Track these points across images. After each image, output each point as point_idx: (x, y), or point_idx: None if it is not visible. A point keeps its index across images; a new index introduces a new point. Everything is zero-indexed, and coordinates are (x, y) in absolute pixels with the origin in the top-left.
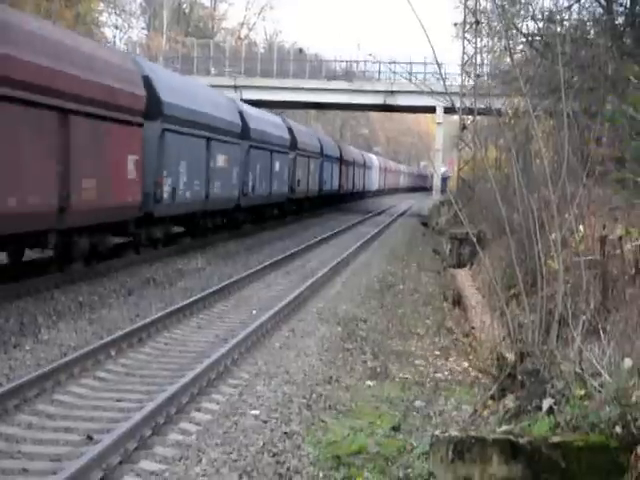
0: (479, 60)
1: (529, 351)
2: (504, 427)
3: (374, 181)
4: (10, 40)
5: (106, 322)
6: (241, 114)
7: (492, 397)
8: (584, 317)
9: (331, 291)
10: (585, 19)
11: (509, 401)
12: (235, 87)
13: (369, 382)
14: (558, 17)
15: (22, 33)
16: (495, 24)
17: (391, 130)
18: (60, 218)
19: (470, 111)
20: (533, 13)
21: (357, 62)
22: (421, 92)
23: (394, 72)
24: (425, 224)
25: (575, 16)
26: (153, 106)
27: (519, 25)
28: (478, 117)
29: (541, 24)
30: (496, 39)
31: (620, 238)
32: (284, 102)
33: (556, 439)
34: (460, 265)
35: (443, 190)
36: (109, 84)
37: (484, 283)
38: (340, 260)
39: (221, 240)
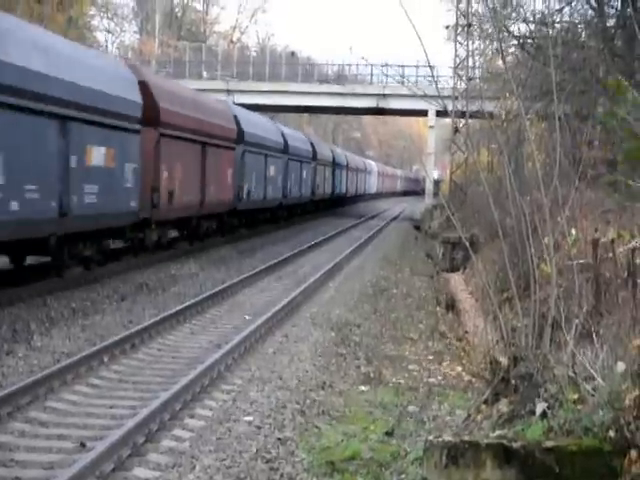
0: (471, 63)
1: (522, 355)
2: (498, 432)
3: (373, 185)
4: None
5: (99, 328)
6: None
7: (486, 401)
8: (577, 321)
9: (324, 296)
10: (576, 22)
11: (503, 405)
12: (228, 91)
13: (363, 387)
14: (549, 20)
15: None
16: (487, 27)
17: (383, 134)
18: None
19: (462, 114)
20: (525, 16)
21: (349, 65)
22: (413, 95)
23: (386, 75)
24: (418, 228)
25: (566, 18)
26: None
27: (511, 28)
28: (470, 120)
29: (533, 27)
30: (488, 42)
31: (612, 241)
32: (276, 106)
33: (550, 443)
34: (453, 269)
35: (435, 193)
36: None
37: (477, 287)
38: (333, 265)
39: (215, 245)
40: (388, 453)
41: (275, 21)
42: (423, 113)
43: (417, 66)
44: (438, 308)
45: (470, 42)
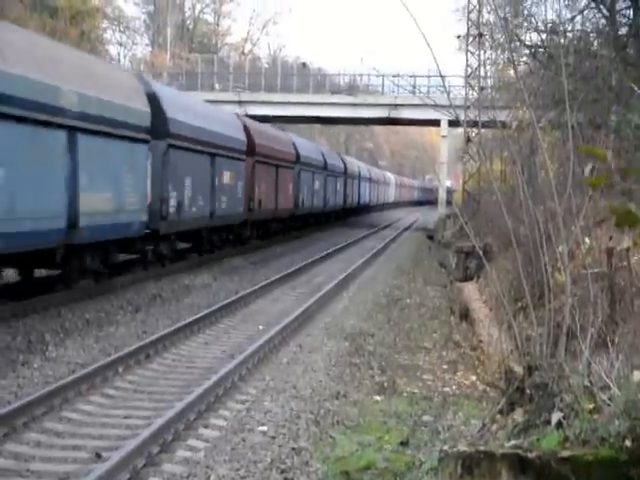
0: (483, 72)
1: (537, 364)
2: (513, 442)
3: (391, 195)
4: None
5: (113, 339)
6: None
7: (501, 411)
8: (592, 330)
9: (338, 306)
10: (588, 30)
11: (518, 415)
12: (239, 102)
13: (377, 397)
14: (561, 28)
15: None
16: (498, 36)
17: (395, 143)
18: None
19: (474, 124)
20: (536, 25)
21: (361, 76)
22: (425, 105)
23: (398, 85)
24: (431, 237)
25: (578, 27)
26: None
27: (522, 37)
28: (483, 130)
29: (544, 36)
30: (499, 51)
31: (627, 250)
32: (288, 117)
33: (565, 453)
34: (467, 278)
35: (448, 203)
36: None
37: (491, 296)
38: (346, 275)
39: (227, 256)
40: (403, 463)
41: (286, 32)
42: (435, 123)
43: (429, 76)
44: (452, 317)
45: (482, 52)
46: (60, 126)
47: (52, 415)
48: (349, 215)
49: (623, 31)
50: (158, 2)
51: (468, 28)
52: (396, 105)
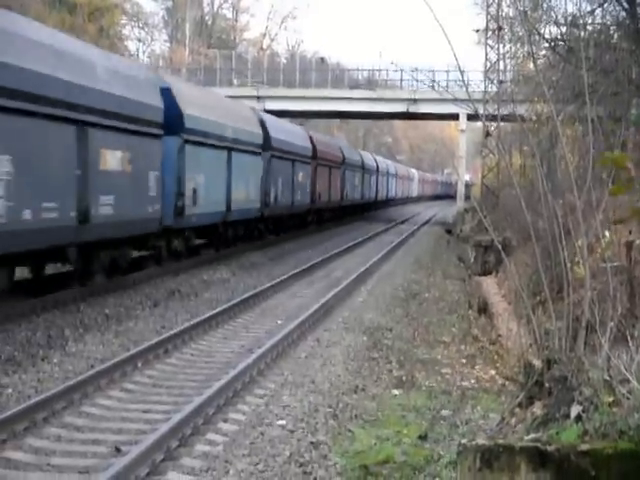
0: (502, 66)
1: (556, 358)
2: (532, 435)
3: (415, 190)
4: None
5: (132, 334)
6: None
7: (519, 405)
8: (611, 323)
9: (356, 300)
10: (608, 23)
11: (537, 409)
12: (258, 98)
13: (395, 391)
14: (581, 21)
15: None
16: (517, 30)
17: (414, 138)
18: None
19: (493, 118)
20: (556, 18)
21: (379, 70)
22: (444, 100)
23: (416, 80)
24: (449, 232)
25: (598, 20)
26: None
27: (542, 30)
28: (502, 123)
29: (564, 29)
30: (519, 45)
31: None
32: (307, 112)
33: (585, 447)
34: (485, 273)
35: (467, 197)
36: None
37: (510, 290)
38: (364, 269)
39: (245, 251)
40: (422, 457)
41: (305, 27)
42: (454, 117)
43: (447, 70)
44: (470, 312)
45: (501, 45)
46: (224, 147)
47: (72, 410)
48: (380, 207)
49: None
50: None
51: (487, 22)
52: (415, 100)
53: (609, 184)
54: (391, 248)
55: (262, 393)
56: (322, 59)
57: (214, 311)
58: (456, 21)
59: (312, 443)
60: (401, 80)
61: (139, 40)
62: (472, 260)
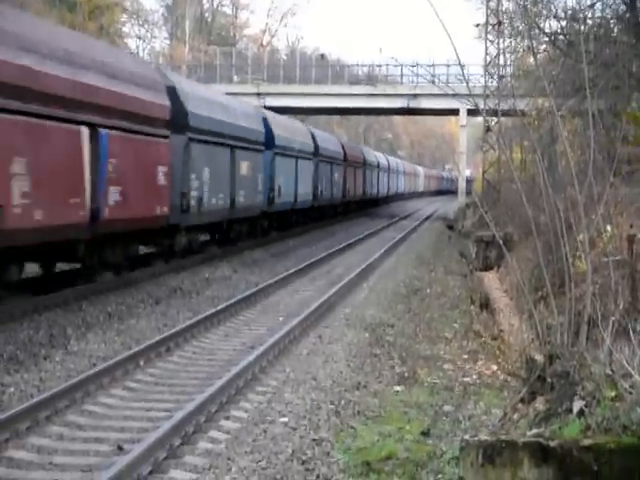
0: (502, 61)
1: (558, 353)
2: (534, 430)
3: (420, 185)
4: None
5: (134, 332)
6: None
7: (522, 400)
8: (613, 318)
9: (358, 296)
10: (608, 17)
11: (539, 404)
12: (258, 94)
13: (397, 387)
14: (581, 15)
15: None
16: (517, 24)
17: (415, 133)
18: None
19: (494, 112)
20: (556, 12)
21: (379, 66)
22: (444, 95)
23: (417, 75)
24: (451, 227)
25: (598, 14)
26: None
27: (542, 24)
28: (502, 118)
29: (564, 23)
30: (519, 39)
31: None
32: (307, 108)
33: (587, 442)
34: (487, 268)
35: (468, 192)
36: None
37: (512, 285)
38: (366, 265)
39: (247, 248)
40: (424, 453)
41: (305, 24)
42: (454, 112)
43: (448, 65)
44: (472, 307)
45: (501, 40)
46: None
47: (74, 408)
48: (391, 200)
49: None
50: None
51: (487, 16)
52: (415, 95)
53: (611, 178)
54: (393, 244)
55: (264, 390)
56: (322, 55)
57: (216, 308)
58: (456, 16)
59: (314, 440)
60: (401, 75)
61: (139, 38)
62: (474, 255)
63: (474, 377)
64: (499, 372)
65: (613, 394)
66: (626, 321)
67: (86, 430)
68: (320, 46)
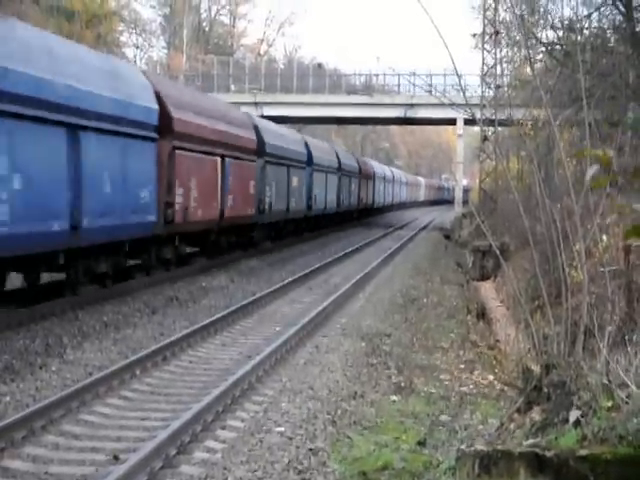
0: (499, 71)
1: (555, 363)
2: (531, 440)
3: (421, 195)
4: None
5: (131, 341)
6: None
7: (518, 410)
8: (610, 328)
9: (354, 306)
10: (605, 27)
11: (535, 414)
12: (255, 104)
13: (394, 397)
14: (578, 26)
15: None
16: (514, 34)
17: (412, 143)
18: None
19: (491, 122)
20: (552, 22)
21: (377, 75)
22: (441, 104)
23: (414, 85)
24: (448, 237)
25: (595, 24)
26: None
27: (539, 34)
28: (499, 128)
29: (561, 33)
30: (516, 49)
31: None
32: (305, 118)
33: (583, 452)
34: (484, 278)
35: (465, 202)
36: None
37: (508, 295)
38: (363, 275)
39: (244, 257)
40: (420, 463)
41: (302, 33)
42: (451, 122)
43: (445, 75)
44: (469, 317)
45: (498, 50)
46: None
47: (70, 418)
48: (396, 209)
49: None
50: (174, 4)
51: (484, 26)
52: (412, 104)
53: (607, 187)
54: (389, 254)
55: (260, 400)
56: (319, 65)
57: (212, 318)
58: (453, 25)
59: (311, 450)
60: (398, 85)
61: (137, 47)
62: (470, 265)
63: (470, 387)
64: (495, 382)
65: (609, 404)
66: (622, 331)
67: (82, 439)
68: (317, 55)
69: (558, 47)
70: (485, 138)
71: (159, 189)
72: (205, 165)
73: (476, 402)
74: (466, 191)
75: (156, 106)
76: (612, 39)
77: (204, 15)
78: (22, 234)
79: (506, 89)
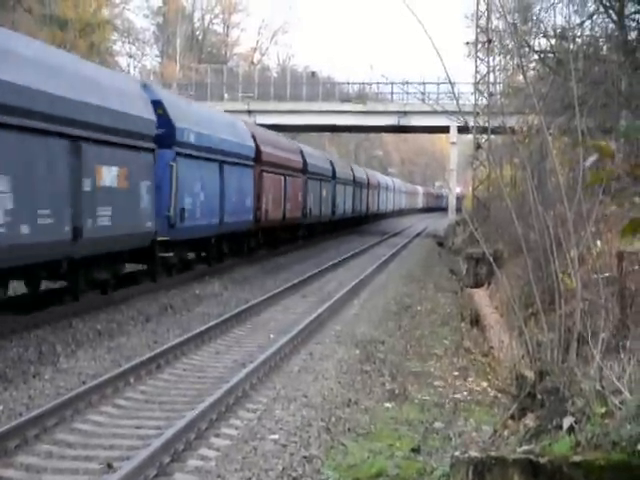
0: (492, 79)
1: (549, 370)
2: (524, 447)
3: (419, 202)
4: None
5: (124, 349)
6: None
7: (512, 417)
8: (603, 334)
9: (349, 313)
10: (597, 35)
11: (529, 420)
12: (249, 112)
13: (388, 404)
14: (570, 34)
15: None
16: (507, 42)
17: (405, 151)
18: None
19: (484, 130)
20: (545, 30)
21: (370, 84)
22: (434, 112)
23: (407, 93)
24: (441, 244)
25: (587, 32)
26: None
27: (531, 43)
28: (492, 136)
29: (553, 41)
30: (508, 57)
31: (638, 253)
32: (298, 126)
33: (577, 458)
34: (477, 285)
35: (458, 209)
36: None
37: (502, 302)
38: (357, 282)
39: (238, 265)
40: (414, 470)
41: (295, 42)
42: (444, 130)
43: (438, 83)
44: (463, 324)
45: (491, 58)
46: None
47: (63, 426)
48: (396, 215)
49: (632, 36)
50: (167, 13)
51: (477, 34)
52: (405, 112)
53: (599, 194)
54: (383, 261)
55: (254, 408)
56: (313, 73)
57: (206, 325)
58: (446, 34)
59: (305, 457)
60: (392, 93)
61: (130, 56)
62: (464, 272)
63: (464, 394)
64: (489, 389)
65: (603, 410)
66: (616, 337)
67: (75, 448)
68: (311, 64)
69: (551, 55)
70: (478, 146)
71: (254, 198)
72: (276, 182)
73: (470, 409)
74: (459, 198)
75: (253, 145)
76: (604, 47)
77: (197, 24)
78: (202, 225)
79: (499, 97)
